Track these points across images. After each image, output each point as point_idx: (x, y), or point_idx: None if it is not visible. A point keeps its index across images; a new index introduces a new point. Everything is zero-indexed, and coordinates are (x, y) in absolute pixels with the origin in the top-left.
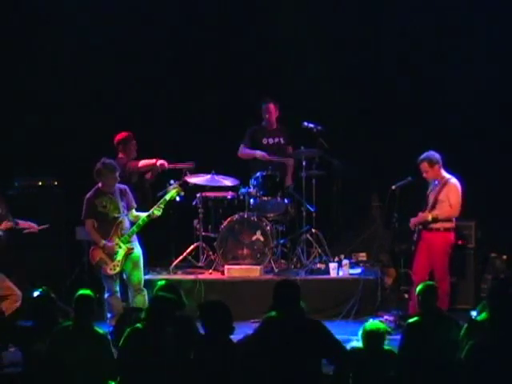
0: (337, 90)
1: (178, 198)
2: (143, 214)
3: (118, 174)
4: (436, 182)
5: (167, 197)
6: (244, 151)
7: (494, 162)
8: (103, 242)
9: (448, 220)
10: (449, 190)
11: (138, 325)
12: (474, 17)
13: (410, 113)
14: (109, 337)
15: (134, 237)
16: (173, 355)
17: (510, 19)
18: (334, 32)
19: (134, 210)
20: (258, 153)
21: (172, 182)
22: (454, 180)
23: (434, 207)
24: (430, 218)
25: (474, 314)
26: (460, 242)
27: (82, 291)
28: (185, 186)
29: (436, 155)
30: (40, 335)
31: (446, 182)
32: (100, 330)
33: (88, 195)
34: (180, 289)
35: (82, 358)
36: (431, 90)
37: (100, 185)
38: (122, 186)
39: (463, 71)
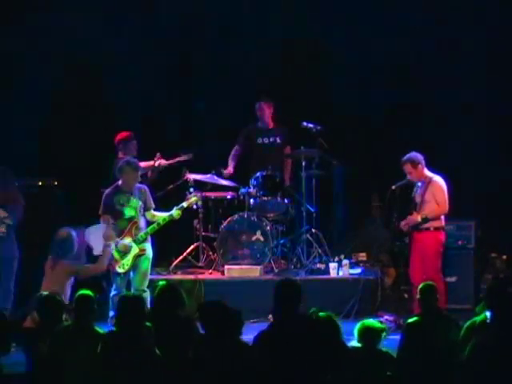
0: (337, 90)
1: (194, 206)
2: (163, 214)
3: (139, 174)
4: (420, 184)
5: (185, 204)
6: (231, 155)
7: (494, 162)
8: (117, 239)
9: (437, 219)
10: (434, 189)
11: (114, 328)
12: (474, 17)
13: (410, 113)
14: None
15: (148, 238)
16: (153, 353)
17: (511, 19)
18: (334, 32)
19: (152, 210)
20: (228, 170)
21: (192, 190)
22: (437, 178)
23: (421, 208)
24: (419, 218)
25: (488, 314)
26: (460, 242)
27: (82, 291)
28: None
29: (418, 156)
30: (44, 336)
31: (429, 181)
32: (100, 329)
33: (107, 191)
34: (180, 288)
35: (82, 358)
36: (431, 89)
37: (120, 182)
38: (142, 186)
39: (463, 71)
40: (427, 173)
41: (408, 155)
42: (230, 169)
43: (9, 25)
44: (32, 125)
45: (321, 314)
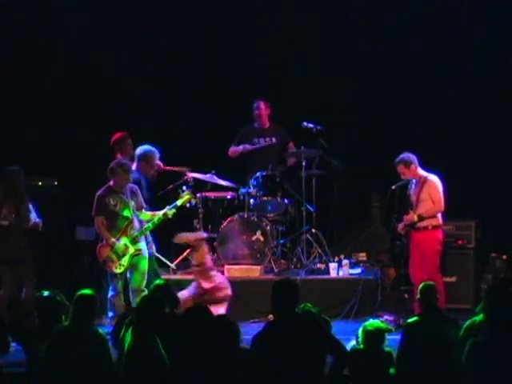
0: (337, 90)
1: (188, 205)
2: (156, 213)
3: (131, 175)
4: (415, 182)
5: (179, 202)
6: (231, 150)
7: (494, 162)
8: (113, 240)
9: (434, 217)
10: (429, 188)
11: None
12: (474, 18)
13: (410, 113)
14: (108, 337)
15: (143, 237)
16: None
17: (510, 20)
18: (334, 32)
19: (144, 210)
20: (240, 147)
21: (184, 188)
22: (432, 177)
23: (417, 207)
24: (415, 217)
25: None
26: (460, 242)
27: (83, 291)
28: (195, 193)
29: (411, 156)
30: (43, 336)
31: (424, 181)
32: (99, 330)
33: (99, 192)
34: (172, 288)
35: (80, 358)
36: (431, 90)
37: (112, 183)
38: (133, 186)
39: (463, 71)
40: (421, 172)
41: (400, 156)
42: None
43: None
44: (32, 125)
45: (303, 308)
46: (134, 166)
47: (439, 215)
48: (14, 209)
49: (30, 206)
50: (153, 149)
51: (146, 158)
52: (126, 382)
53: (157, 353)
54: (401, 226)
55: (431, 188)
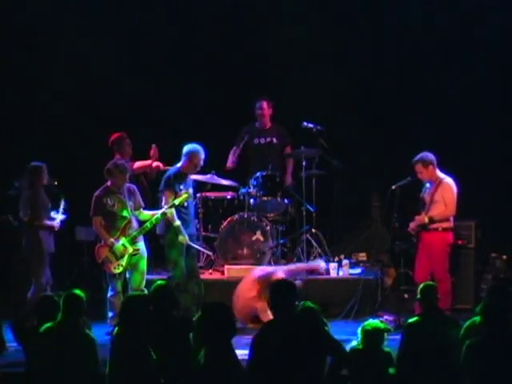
0: (337, 90)
1: (185, 204)
2: (155, 213)
3: (128, 175)
4: (428, 184)
5: (176, 202)
6: (231, 153)
7: (494, 162)
8: (111, 240)
9: (445, 220)
10: (443, 190)
11: (116, 329)
12: (474, 18)
13: (411, 112)
14: (95, 339)
15: (141, 237)
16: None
17: (510, 20)
18: (334, 32)
19: (142, 210)
20: (228, 164)
21: (182, 187)
22: (448, 179)
23: (429, 208)
24: (426, 220)
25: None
26: (460, 242)
27: (71, 291)
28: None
29: (430, 156)
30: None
31: (440, 182)
32: (86, 330)
33: (97, 193)
34: (174, 288)
35: (66, 357)
36: (431, 90)
37: (109, 183)
38: (131, 186)
39: (463, 70)
40: (439, 174)
41: (420, 155)
42: (230, 163)
43: None
44: (32, 125)
45: (303, 305)
46: (179, 164)
47: (451, 218)
48: (30, 206)
49: (61, 212)
50: (198, 148)
51: (189, 156)
52: (114, 381)
53: (142, 351)
54: (412, 225)
55: (445, 190)
